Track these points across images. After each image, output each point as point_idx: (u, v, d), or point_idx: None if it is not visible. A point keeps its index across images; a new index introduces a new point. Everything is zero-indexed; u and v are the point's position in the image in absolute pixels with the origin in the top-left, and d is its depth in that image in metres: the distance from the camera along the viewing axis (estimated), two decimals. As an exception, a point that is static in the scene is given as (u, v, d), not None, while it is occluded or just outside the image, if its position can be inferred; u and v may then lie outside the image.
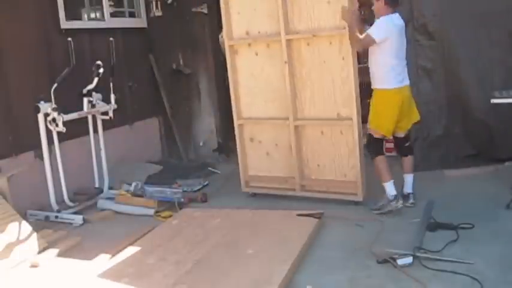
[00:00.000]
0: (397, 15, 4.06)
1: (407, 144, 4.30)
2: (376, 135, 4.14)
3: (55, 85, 4.48)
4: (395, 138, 4.26)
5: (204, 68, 6.21)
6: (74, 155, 4.94)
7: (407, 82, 4.10)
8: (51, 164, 4.56)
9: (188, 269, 3.22)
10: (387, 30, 3.95)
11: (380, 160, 4.12)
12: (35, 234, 3.89)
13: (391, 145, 5.75)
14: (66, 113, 4.53)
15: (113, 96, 5.05)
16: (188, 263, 3.30)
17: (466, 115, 5.07)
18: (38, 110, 4.42)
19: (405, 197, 4.18)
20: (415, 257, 3.11)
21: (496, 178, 4.59)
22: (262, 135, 4.75)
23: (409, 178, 4.27)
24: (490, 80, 4.86)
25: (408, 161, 4.26)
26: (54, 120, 4.42)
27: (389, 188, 4.07)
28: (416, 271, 3.00)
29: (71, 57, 5.00)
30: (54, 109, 4.40)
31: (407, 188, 4.25)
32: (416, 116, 4.22)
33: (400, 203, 4.02)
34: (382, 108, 4.06)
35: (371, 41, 3.96)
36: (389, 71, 3.99)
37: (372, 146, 4.19)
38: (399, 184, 4.22)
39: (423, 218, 3.74)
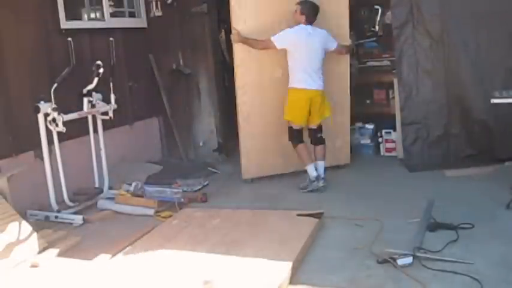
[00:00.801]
0: (310, 27, 4.69)
1: (318, 135, 4.93)
2: (294, 127, 4.83)
3: (55, 85, 4.47)
4: (309, 129, 4.93)
5: (204, 68, 6.21)
6: (74, 155, 4.93)
7: (317, 87, 4.73)
8: (51, 164, 4.56)
9: (188, 269, 3.21)
10: (288, 39, 4.69)
11: (301, 147, 4.85)
12: (35, 234, 3.88)
13: (392, 145, 5.81)
14: (66, 113, 4.52)
15: (113, 96, 5.04)
16: (188, 263, 3.29)
17: (466, 115, 5.08)
18: (38, 110, 4.41)
19: (321, 180, 4.79)
20: (415, 257, 3.11)
21: (496, 178, 4.59)
22: None
23: (320, 163, 4.88)
24: (490, 80, 4.86)
25: (319, 149, 4.92)
26: (54, 120, 4.42)
27: (310, 170, 4.80)
28: (416, 271, 3.00)
29: (71, 57, 5.00)
30: (54, 109, 4.39)
31: (319, 172, 4.84)
32: (327, 113, 4.89)
33: (321, 183, 4.73)
34: (292, 103, 4.79)
35: (269, 43, 4.73)
36: (297, 74, 4.73)
37: (293, 136, 4.87)
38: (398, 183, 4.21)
39: (423, 218, 3.74)
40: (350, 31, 5.26)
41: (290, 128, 4.87)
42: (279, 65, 4.97)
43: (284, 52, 4.82)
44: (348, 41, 5.13)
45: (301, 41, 4.67)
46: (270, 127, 5.14)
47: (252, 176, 5.26)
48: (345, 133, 5.47)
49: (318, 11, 4.76)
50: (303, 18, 4.71)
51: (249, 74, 5.09)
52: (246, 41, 4.86)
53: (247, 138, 5.18)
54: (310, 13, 4.71)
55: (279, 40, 4.70)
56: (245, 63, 5.05)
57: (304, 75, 4.70)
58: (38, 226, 4.16)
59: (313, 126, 4.90)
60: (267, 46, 4.76)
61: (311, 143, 4.96)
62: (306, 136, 5.00)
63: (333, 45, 4.87)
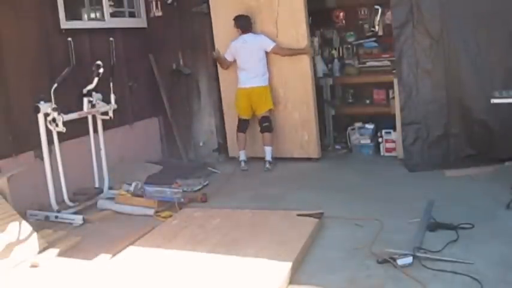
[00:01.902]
0: (247, 35, 5.65)
1: (264, 125, 5.73)
2: (241, 118, 5.81)
3: (55, 85, 4.47)
4: (258, 120, 5.78)
5: (204, 68, 6.21)
6: (74, 155, 4.93)
7: (258, 84, 5.67)
8: (51, 164, 4.56)
9: (188, 269, 3.21)
10: (230, 50, 5.77)
11: (239, 135, 5.84)
12: (35, 234, 3.88)
13: (392, 145, 5.81)
14: (66, 113, 4.53)
15: (113, 96, 5.05)
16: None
17: (466, 115, 5.07)
18: (38, 110, 4.41)
19: (265, 162, 5.69)
20: (415, 257, 3.10)
21: (496, 178, 4.59)
22: None
23: (267, 148, 5.74)
24: (490, 80, 4.85)
25: (266, 136, 5.75)
26: (54, 120, 4.42)
27: (242, 155, 5.82)
28: (416, 271, 3.00)
29: (71, 57, 5.00)
30: (54, 109, 4.39)
31: (267, 157, 5.72)
32: (269, 105, 5.75)
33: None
34: (237, 100, 5.82)
35: (227, 60, 5.87)
36: (240, 75, 5.73)
37: (238, 125, 5.85)
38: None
39: (423, 218, 3.74)
40: (313, 36, 6.11)
41: (238, 119, 5.84)
42: None
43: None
44: (304, 45, 5.67)
45: (239, 48, 5.67)
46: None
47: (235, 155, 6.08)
48: (311, 128, 5.84)
49: (249, 21, 5.68)
50: (239, 30, 5.69)
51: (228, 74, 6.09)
52: (219, 59, 5.93)
53: (230, 124, 6.19)
54: (243, 25, 5.65)
55: (227, 53, 5.81)
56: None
57: (246, 75, 5.67)
58: (38, 226, 4.17)
59: (259, 116, 5.74)
60: (227, 63, 5.88)
61: (260, 131, 5.78)
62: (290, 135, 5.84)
63: (268, 47, 5.63)
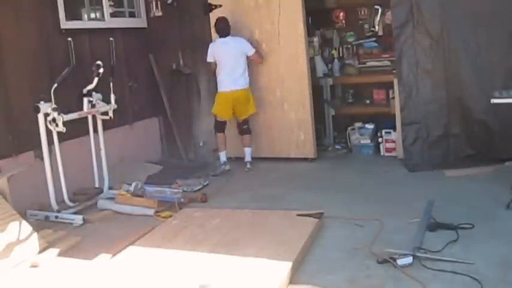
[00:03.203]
0: (227, 38, 5.61)
1: (244, 127, 5.82)
2: (218, 119, 5.79)
3: (55, 85, 4.47)
4: (237, 122, 5.87)
5: (204, 68, 6.21)
6: (74, 155, 4.94)
7: (239, 87, 5.62)
8: (51, 164, 4.56)
9: (188, 269, 3.21)
10: (210, 53, 5.67)
11: (219, 136, 5.82)
12: (35, 234, 3.88)
13: (392, 145, 5.81)
14: (66, 113, 4.53)
15: (113, 96, 5.05)
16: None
17: (466, 115, 5.07)
18: (38, 110, 4.41)
19: (245, 164, 5.78)
20: (415, 257, 3.10)
21: (496, 178, 4.59)
22: None
23: (247, 150, 5.82)
24: (490, 80, 4.85)
25: (245, 138, 5.84)
26: (54, 120, 4.42)
27: (221, 156, 5.81)
28: (416, 271, 3.00)
29: (71, 57, 5.01)
30: (54, 109, 4.39)
31: (246, 158, 5.81)
32: (252, 110, 5.78)
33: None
34: (218, 103, 5.74)
35: (209, 65, 5.80)
36: (220, 80, 5.67)
37: (216, 126, 5.84)
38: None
39: (423, 218, 3.74)
40: (312, 35, 6.25)
41: (215, 120, 5.85)
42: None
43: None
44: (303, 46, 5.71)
45: (219, 50, 5.63)
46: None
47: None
48: (307, 128, 5.85)
49: (226, 23, 5.61)
50: (217, 34, 5.69)
51: None
52: (210, 66, 5.85)
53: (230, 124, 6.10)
54: (220, 28, 5.61)
55: (208, 57, 5.72)
56: None
57: (227, 78, 5.61)
58: (38, 226, 4.17)
59: (240, 120, 5.83)
60: (211, 67, 5.78)
61: (239, 133, 5.88)
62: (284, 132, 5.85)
63: (250, 52, 5.65)
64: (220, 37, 5.65)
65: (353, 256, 3.30)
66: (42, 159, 4.56)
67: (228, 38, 5.62)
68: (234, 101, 5.66)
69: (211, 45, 5.71)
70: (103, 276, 3.31)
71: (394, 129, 5.66)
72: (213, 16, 5.94)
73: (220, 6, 5.88)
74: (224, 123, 5.83)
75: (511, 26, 4.80)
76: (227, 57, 5.62)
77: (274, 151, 6.01)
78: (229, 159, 5.98)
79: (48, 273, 3.46)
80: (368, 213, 4.01)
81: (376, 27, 6.26)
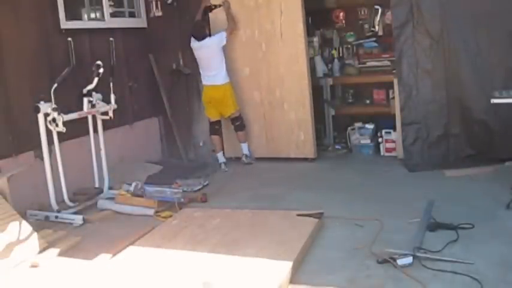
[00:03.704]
0: (202, 42, 5.68)
1: (236, 124, 5.93)
2: (210, 120, 5.98)
3: (55, 85, 4.47)
4: (230, 120, 5.95)
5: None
6: (74, 155, 4.94)
7: (216, 82, 5.74)
8: (51, 164, 4.56)
9: (188, 269, 3.20)
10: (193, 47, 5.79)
11: (213, 138, 6.00)
12: (35, 234, 3.88)
13: (392, 145, 5.82)
14: (66, 113, 4.53)
15: (113, 96, 5.05)
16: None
17: (466, 115, 5.07)
18: (38, 110, 4.41)
19: (243, 156, 5.95)
20: (415, 257, 3.10)
21: (496, 178, 4.59)
22: None
23: (243, 145, 5.98)
24: (490, 80, 4.85)
25: (239, 135, 5.97)
26: (54, 120, 4.42)
27: (220, 157, 5.94)
28: (416, 271, 3.00)
29: (71, 57, 5.01)
30: (54, 109, 4.39)
31: (244, 151, 5.97)
32: (234, 107, 5.85)
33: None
34: (204, 101, 5.98)
35: None
36: (201, 75, 5.86)
37: (210, 128, 6.01)
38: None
39: (423, 218, 3.74)
40: (312, 35, 6.30)
41: (209, 122, 6.02)
42: (245, 64, 5.98)
43: (250, 55, 5.92)
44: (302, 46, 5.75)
45: (196, 48, 5.75)
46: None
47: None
48: (307, 128, 5.85)
49: (203, 29, 5.73)
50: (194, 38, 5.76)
51: None
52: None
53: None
54: (195, 33, 5.72)
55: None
56: None
57: (205, 74, 5.79)
58: (38, 226, 4.17)
59: (227, 117, 5.94)
60: None
61: (234, 130, 5.99)
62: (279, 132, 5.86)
63: (223, 41, 5.70)
64: (198, 41, 5.71)
65: (353, 256, 3.30)
66: (42, 159, 4.56)
67: (205, 40, 5.68)
68: (214, 96, 5.79)
69: (191, 43, 5.77)
70: (103, 276, 3.31)
71: (394, 129, 5.66)
72: (213, 12, 5.95)
73: (220, 6, 5.89)
74: (216, 124, 5.96)
75: (511, 26, 4.80)
76: (203, 54, 5.74)
77: (274, 151, 6.01)
78: (229, 159, 6.02)
79: (48, 273, 3.46)
80: (368, 213, 4.01)
81: (376, 27, 6.26)
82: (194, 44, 5.74)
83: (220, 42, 5.71)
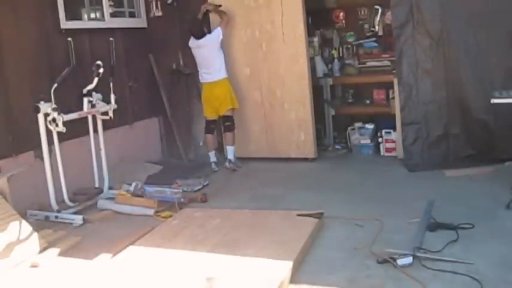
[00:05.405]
0: (200, 41, 5.69)
1: (226, 124, 5.86)
2: (207, 119, 5.91)
3: (55, 85, 4.47)
4: (221, 118, 5.89)
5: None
6: (74, 155, 4.94)
7: (215, 78, 5.71)
8: (51, 164, 4.56)
9: (188, 269, 3.20)
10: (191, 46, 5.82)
11: (207, 137, 5.95)
12: (35, 234, 3.88)
13: (392, 145, 5.82)
14: (66, 113, 4.53)
15: (113, 96, 5.05)
16: (188, 263, 3.29)
17: (466, 115, 5.07)
18: (38, 110, 4.41)
19: (228, 161, 5.82)
20: (415, 257, 3.10)
21: (496, 178, 4.59)
22: None
23: (229, 148, 5.88)
24: (490, 80, 4.85)
25: (228, 136, 5.89)
26: (54, 120, 4.42)
27: (211, 156, 5.90)
28: (416, 271, 3.00)
29: (71, 57, 5.01)
30: (54, 109, 4.39)
31: (229, 155, 5.86)
32: (232, 104, 5.78)
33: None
34: (203, 99, 5.93)
35: None
36: (200, 73, 5.84)
37: (205, 126, 5.94)
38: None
39: (423, 218, 3.74)
40: (312, 35, 6.31)
41: (205, 120, 5.96)
42: (246, 64, 5.98)
43: (250, 55, 5.93)
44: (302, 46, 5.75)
45: (194, 47, 5.77)
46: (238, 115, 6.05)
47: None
48: (307, 128, 5.86)
49: (200, 28, 5.71)
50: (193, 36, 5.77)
51: None
52: None
53: None
54: (192, 31, 5.73)
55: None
56: None
57: (204, 71, 5.77)
58: (38, 226, 4.17)
59: (222, 115, 5.85)
60: None
61: (222, 130, 5.97)
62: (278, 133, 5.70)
63: (219, 36, 5.69)
64: (196, 39, 5.72)
65: (353, 256, 3.30)
66: (42, 159, 4.56)
67: (204, 38, 5.69)
68: (213, 92, 5.75)
69: (190, 42, 5.79)
70: (103, 276, 3.31)
71: (394, 129, 5.66)
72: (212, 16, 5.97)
73: (220, 6, 5.89)
74: (211, 123, 5.91)
75: (510, 26, 4.81)
76: (200, 52, 5.74)
77: (275, 151, 6.02)
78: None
79: (48, 273, 3.46)
80: (368, 213, 4.01)
81: (376, 27, 6.26)
82: (193, 42, 5.75)
83: (218, 38, 5.70)
